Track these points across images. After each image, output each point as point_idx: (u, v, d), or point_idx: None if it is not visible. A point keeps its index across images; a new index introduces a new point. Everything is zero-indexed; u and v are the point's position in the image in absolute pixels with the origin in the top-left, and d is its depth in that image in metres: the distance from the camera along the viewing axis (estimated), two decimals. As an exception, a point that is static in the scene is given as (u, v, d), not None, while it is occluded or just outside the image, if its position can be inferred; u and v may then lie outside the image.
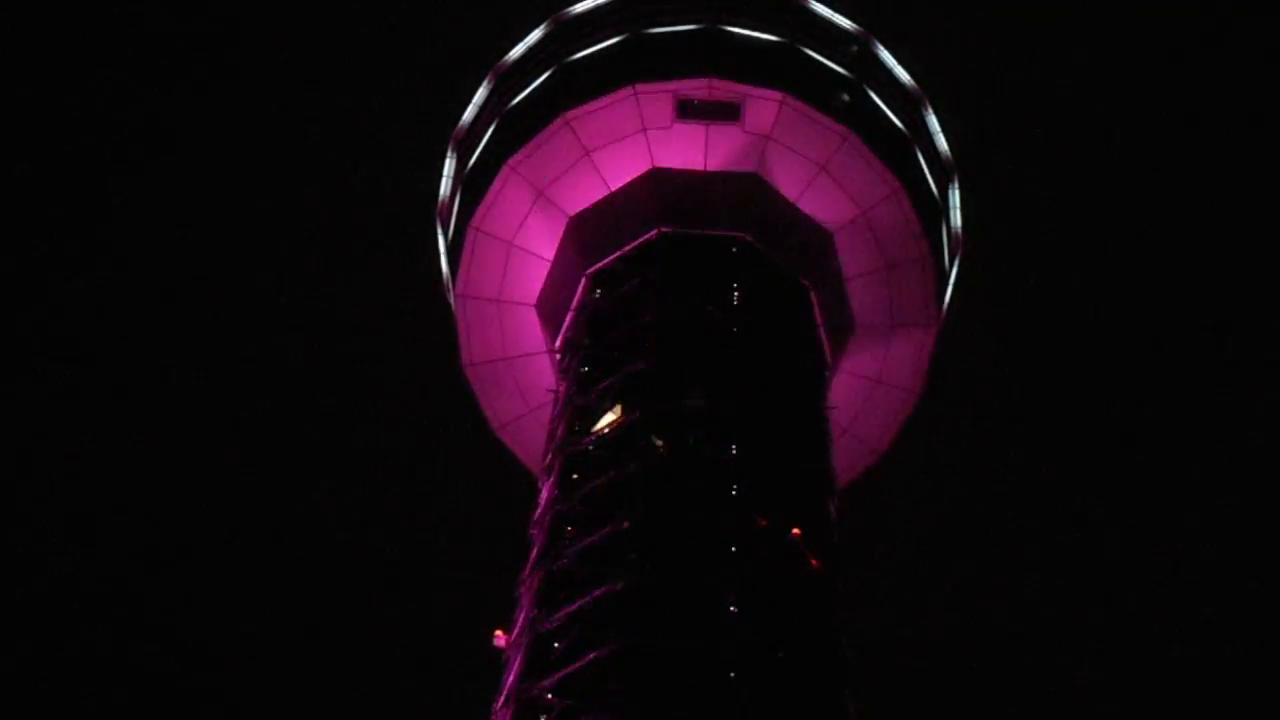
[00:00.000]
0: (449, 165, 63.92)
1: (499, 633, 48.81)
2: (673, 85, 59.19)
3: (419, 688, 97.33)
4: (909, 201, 60.51)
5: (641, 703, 41.73)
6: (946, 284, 63.67)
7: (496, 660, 48.03)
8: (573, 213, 59.98)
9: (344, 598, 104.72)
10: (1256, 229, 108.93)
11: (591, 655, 43.72)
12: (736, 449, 50.07)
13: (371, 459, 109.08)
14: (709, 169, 59.14)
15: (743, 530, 47.34)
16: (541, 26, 62.91)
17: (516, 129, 61.24)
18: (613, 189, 59.54)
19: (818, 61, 61.18)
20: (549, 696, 43.96)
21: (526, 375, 61.67)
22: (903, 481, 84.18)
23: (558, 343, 60.04)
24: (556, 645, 45.37)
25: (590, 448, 50.99)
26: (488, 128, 63.01)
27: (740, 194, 59.00)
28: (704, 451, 50.00)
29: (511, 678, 45.88)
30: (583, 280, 59.53)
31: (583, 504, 49.83)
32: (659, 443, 47.34)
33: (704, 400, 51.90)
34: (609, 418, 50.38)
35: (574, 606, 46.16)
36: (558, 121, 59.63)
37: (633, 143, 59.17)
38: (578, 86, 60.40)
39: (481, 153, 62.74)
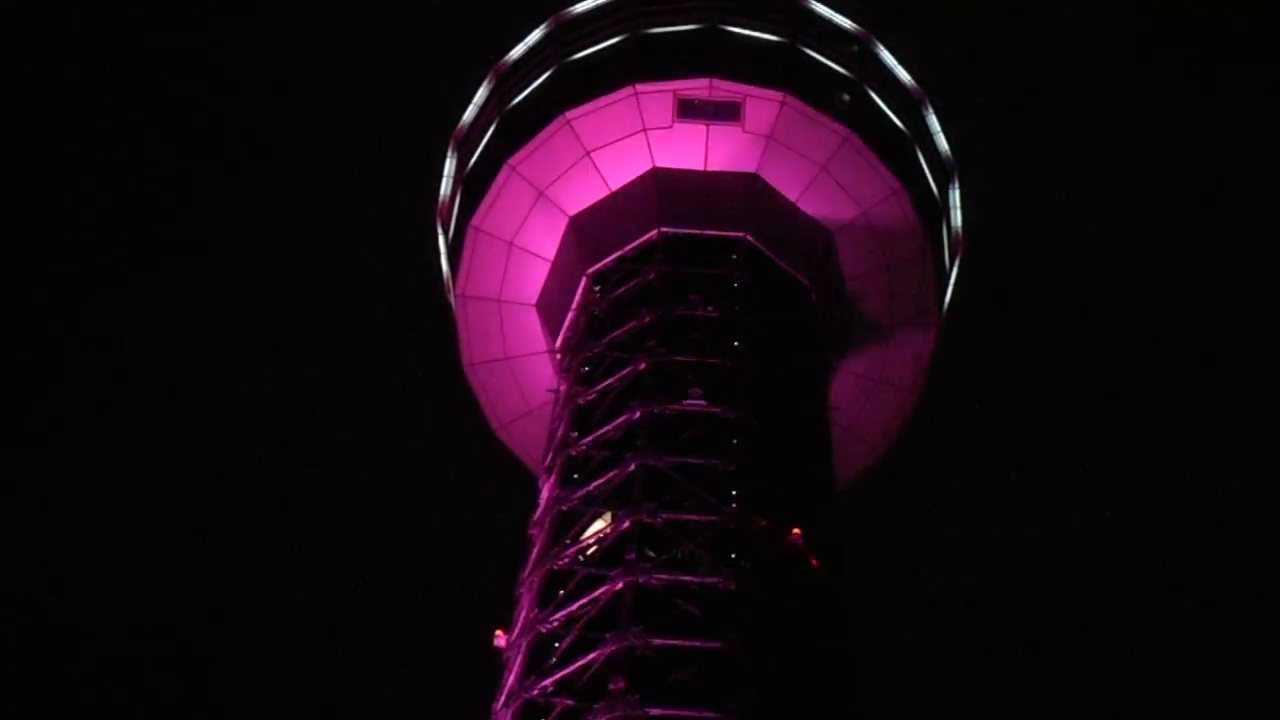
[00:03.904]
0: (449, 165, 63.98)
1: (499, 633, 48.77)
2: (673, 85, 59.24)
3: (419, 688, 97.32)
4: (909, 201, 60.55)
5: (642, 703, 41.68)
6: (946, 284, 63.70)
7: (496, 660, 47.99)
8: (573, 213, 60.01)
9: (343, 597, 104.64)
10: (1257, 228, 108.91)
11: (592, 655, 43.70)
12: (737, 449, 50.04)
13: (371, 459, 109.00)
14: (709, 169, 59.18)
15: (743, 530, 47.32)
16: (541, 26, 62.94)
17: (517, 129, 61.29)
18: (613, 189, 59.58)
19: (818, 61, 61.23)
20: (549, 696, 43.93)
21: (526, 375, 61.71)
22: (903, 481, 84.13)
23: (558, 342, 60.06)
24: (557, 645, 45.36)
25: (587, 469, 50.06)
26: (488, 128, 63.05)
27: (741, 194, 59.03)
28: (703, 452, 49.96)
29: (511, 678, 45.85)
30: (583, 280, 59.54)
31: (583, 503, 49.83)
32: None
33: (704, 400, 51.88)
34: (598, 525, 49.06)
35: (574, 606, 46.16)
36: (558, 121, 59.68)
37: (633, 143, 59.22)
38: (578, 86, 60.44)
39: (481, 153, 62.80)
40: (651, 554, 46.30)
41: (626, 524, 47.05)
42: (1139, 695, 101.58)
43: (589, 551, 47.98)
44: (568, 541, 48.75)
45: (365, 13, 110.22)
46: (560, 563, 48.13)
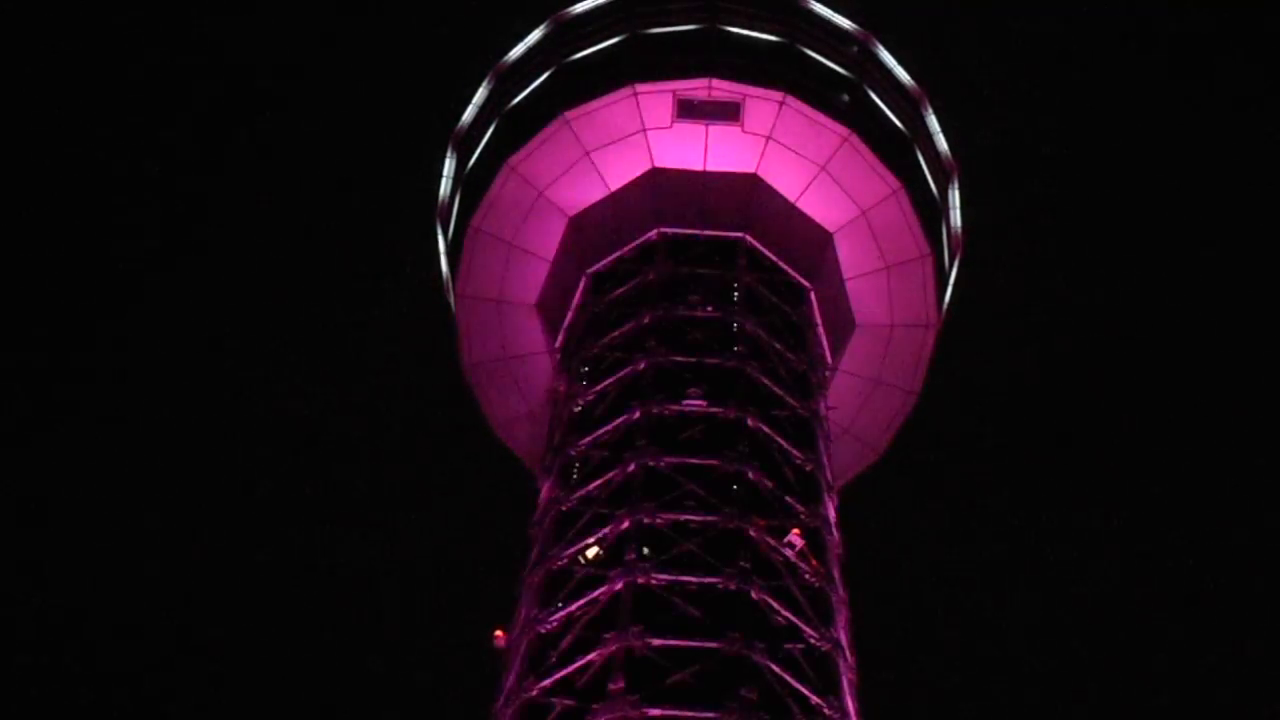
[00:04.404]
0: (449, 165, 63.93)
1: (499, 633, 48.79)
2: (673, 85, 59.22)
3: (419, 688, 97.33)
4: (909, 201, 60.53)
5: (642, 703, 41.69)
6: (946, 284, 63.68)
7: (496, 660, 48.02)
8: (573, 213, 59.99)
9: (343, 597, 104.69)
10: (1257, 228, 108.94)
11: (592, 655, 43.72)
12: (737, 449, 50.02)
13: (371, 458, 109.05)
14: (709, 169, 59.17)
15: (742, 530, 47.30)
16: (541, 26, 62.92)
17: (516, 129, 61.26)
18: (613, 189, 59.57)
19: (818, 61, 61.20)
20: (550, 697, 43.94)
21: (526, 375, 61.69)
22: (903, 481, 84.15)
23: (558, 343, 60.06)
24: (556, 645, 45.35)
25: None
26: (488, 128, 63.02)
27: (740, 194, 59.02)
28: (703, 452, 49.95)
29: (511, 678, 45.87)
30: (583, 280, 59.57)
31: (582, 504, 49.82)
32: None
33: (704, 400, 51.88)
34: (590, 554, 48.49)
35: (574, 606, 46.18)
36: (558, 121, 59.65)
37: (633, 143, 59.20)
38: (578, 86, 60.43)
39: (481, 153, 62.76)
40: (648, 553, 46.32)
41: (626, 524, 47.12)
42: (1139, 695, 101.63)
43: (589, 553, 47.96)
44: (567, 546, 48.76)
45: (366, 13, 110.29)
46: (560, 563, 48.17)
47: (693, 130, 59.12)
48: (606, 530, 47.65)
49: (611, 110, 59.21)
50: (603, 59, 60.97)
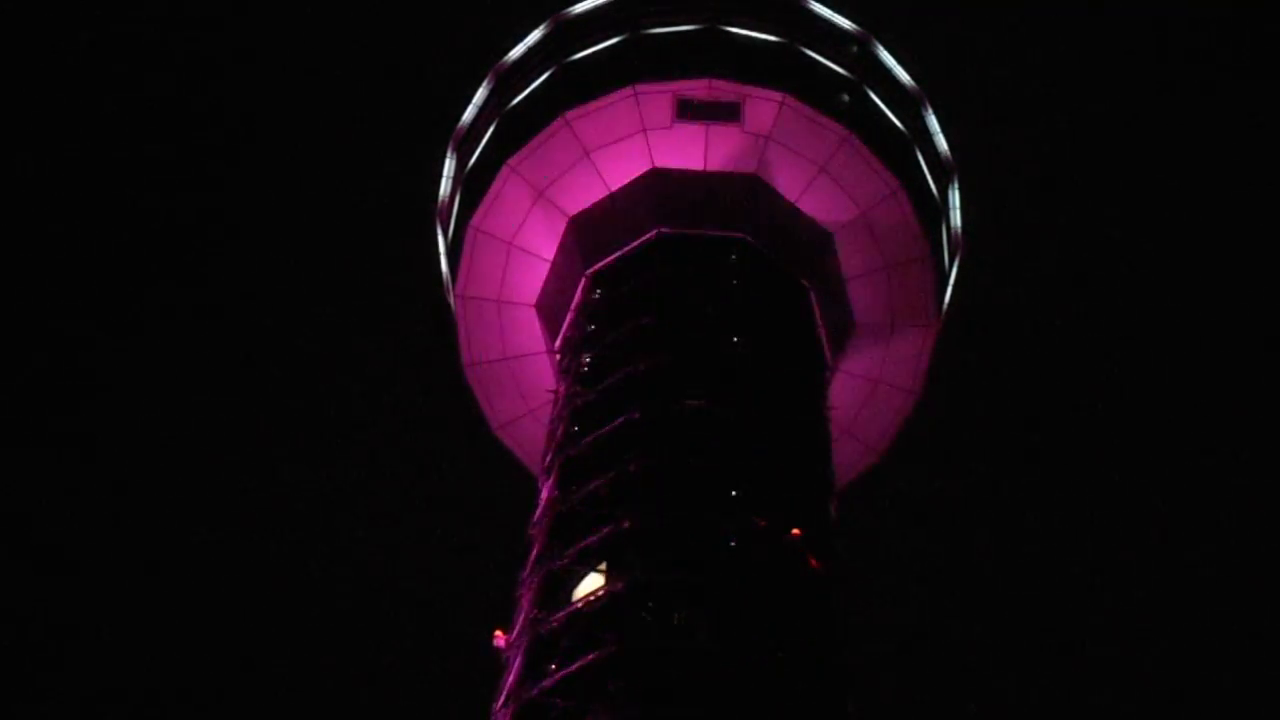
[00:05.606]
0: (449, 165, 63.96)
1: (499, 633, 48.80)
2: (673, 85, 59.25)
3: (419, 688, 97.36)
4: (909, 201, 60.56)
5: (642, 703, 41.71)
6: (946, 284, 63.69)
7: (496, 660, 48.03)
8: (573, 213, 60.00)
9: (344, 598, 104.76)
10: (1257, 228, 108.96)
11: (592, 655, 43.72)
12: (736, 449, 50.02)
13: (371, 459, 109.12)
14: (709, 169, 59.18)
15: (743, 530, 47.32)
16: (541, 26, 62.95)
17: (516, 129, 61.28)
18: (613, 189, 59.57)
19: (818, 61, 61.23)
20: (550, 697, 43.95)
21: (526, 375, 61.71)
22: (903, 481, 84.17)
23: (558, 343, 60.05)
24: (557, 645, 45.36)
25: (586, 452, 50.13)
26: (488, 128, 63.04)
27: (740, 194, 59.02)
28: (703, 452, 49.95)
29: (511, 678, 45.88)
30: (583, 280, 59.57)
31: (582, 504, 49.80)
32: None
33: (704, 400, 51.86)
34: (591, 584, 47.80)
35: (574, 606, 46.18)
36: (558, 121, 59.68)
37: (632, 143, 59.21)
38: (578, 86, 60.44)
39: (481, 153, 62.78)
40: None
41: (626, 524, 47.13)
42: (1138, 694, 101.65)
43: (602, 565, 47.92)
44: (566, 546, 48.74)
45: (366, 14, 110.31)
46: (560, 563, 48.17)
47: (692, 130, 59.12)
48: (606, 531, 47.64)
49: (611, 110, 59.23)
50: (603, 59, 60.98)
